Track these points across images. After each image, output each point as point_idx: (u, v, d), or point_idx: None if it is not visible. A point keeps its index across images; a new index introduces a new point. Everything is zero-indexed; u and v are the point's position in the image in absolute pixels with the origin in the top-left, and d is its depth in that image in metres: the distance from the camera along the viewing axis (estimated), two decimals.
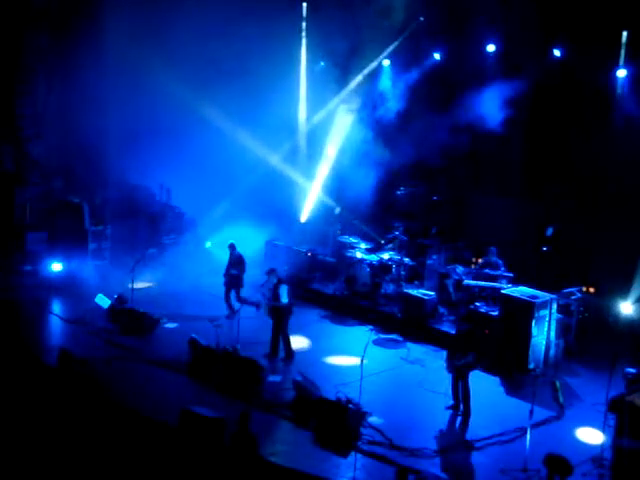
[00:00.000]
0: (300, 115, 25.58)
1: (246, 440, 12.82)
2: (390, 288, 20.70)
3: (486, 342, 17.16)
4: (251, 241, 23.47)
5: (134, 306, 19.15)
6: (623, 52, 19.52)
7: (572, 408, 15.98)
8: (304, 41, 25.00)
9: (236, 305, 19.77)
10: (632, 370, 15.37)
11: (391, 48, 23.52)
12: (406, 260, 20.96)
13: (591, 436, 14.64)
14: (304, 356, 17.94)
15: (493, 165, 22.46)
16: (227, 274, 20.05)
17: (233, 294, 20.05)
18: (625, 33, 19.40)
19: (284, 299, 17.69)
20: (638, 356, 16.40)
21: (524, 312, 17.32)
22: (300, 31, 24.93)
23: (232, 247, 20.27)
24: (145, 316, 18.95)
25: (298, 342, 18.40)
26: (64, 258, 21.77)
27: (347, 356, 17.62)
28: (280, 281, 17.86)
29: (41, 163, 24.53)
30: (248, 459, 12.75)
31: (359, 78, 24.00)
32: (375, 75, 24.12)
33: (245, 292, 19.84)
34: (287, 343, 17.86)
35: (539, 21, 19.85)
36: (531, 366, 17.24)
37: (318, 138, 24.98)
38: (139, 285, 19.94)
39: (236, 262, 20.04)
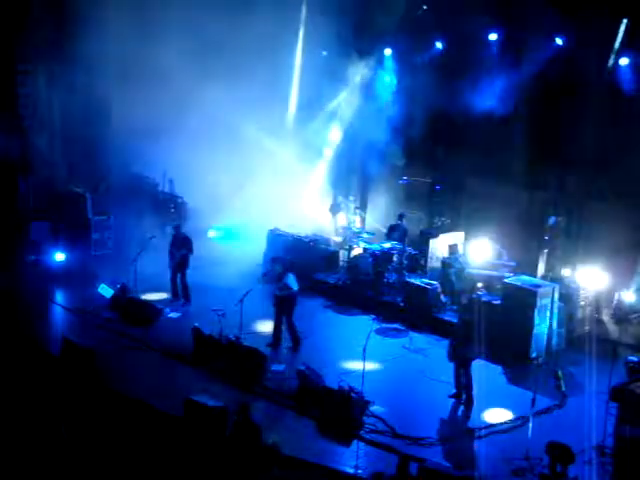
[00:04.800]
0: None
1: (249, 430, 12.87)
2: (392, 277, 20.72)
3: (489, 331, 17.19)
4: (253, 230, 23.55)
5: (137, 296, 19.20)
6: (624, 40, 19.48)
7: (574, 397, 16.00)
8: (302, 28, 24.90)
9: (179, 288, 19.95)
10: (634, 359, 15.39)
11: (395, 38, 23.48)
12: (408, 249, 20.98)
13: (593, 425, 14.63)
14: (307, 345, 17.97)
15: (495, 154, 22.44)
16: (173, 256, 19.94)
17: (179, 278, 20.03)
18: (625, 21, 19.37)
19: (294, 287, 17.67)
20: None
21: (526, 301, 17.34)
22: (299, 20, 24.86)
23: (177, 228, 20.23)
24: (148, 305, 19.01)
25: (300, 331, 18.41)
26: (67, 248, 21.82)
27: (350, 345, 17.63)
28: (285, 270, 17.84)
29: (44, 153, 24.54)
30: (251, 448, 12.80)
31: (361, 67, 23.97)
32: (377, 63, 24.08)
33: (244, 283, 19.76)
34: (293, 332, 17.86)
35: (541, 9, 19.83)
36: (533, 355, 17.27)
37: (322, 127, 24.96)
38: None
39: (182, 243, 19.94)
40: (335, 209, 24.38)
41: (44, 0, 23.84)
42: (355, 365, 15.91)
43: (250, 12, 22.16)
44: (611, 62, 19.74)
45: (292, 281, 17.62)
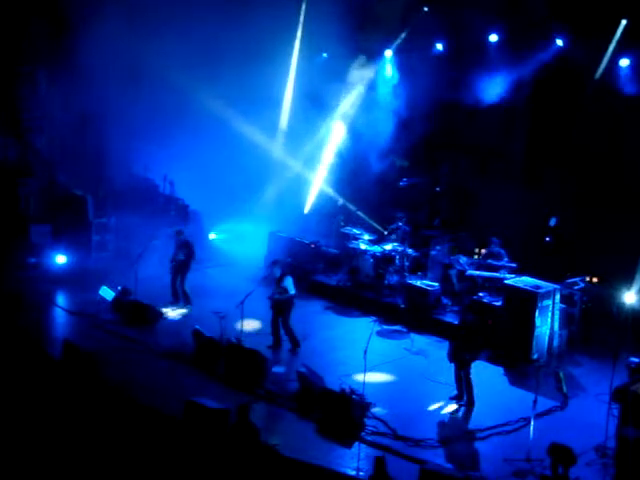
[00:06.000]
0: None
1: (247, 431, 12.86)
2: (393, 279, 20.68)
3: (490, 333, 17.18)
4: (254, 232, 23.53)
5: (138, 298, 19.19)
6: (623, 40, 19.46)
7: (576, 398, 16.01)
8: (300, 29, 24.83)
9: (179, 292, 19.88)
10: (635, 360, 15.37)
11: (396, 39, 23.46)
12: (409, 251, 20.96)
13: (595, 426, 14.61)
14: (308, 347, 17.96)
15: (496, 155, 22.43)
16: (173, 260, 19.88)
17: (179, 281, 19.95)
18: (624, 22, 19.36)
19: (291, 290, 17.68)
20: None
21: (527, 302, 17.32)
22: (297, 21, 24.79)
23: (179, 232, 20.14)
24: (149, 308, 19.00)
25: (301, 334, 18.37)
26: (68, 250, 21.82)
27: (351, 347, 17.60)
28: (284, 273, 17.84)
29: (44, 155, 24.54)
30: (249, 450, 12.79)
31: (361, 68, 23.92)
32: (378, 64, 24.05)
33: (245, 285, 19.71)
34: (291, 335, 17.87)
35: (541, 10, 19.84)
36: (534, 356, 17.25)
37: (323, 129, 24.91)
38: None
39: (182, 247, 19.88)
40: (336, 211, 24.31)
41: (44, 2, 23.85)
42: (356, 367, 15.85)
43: (249, 13, 22.16)
44: (608, 63, 19.70)
45: (290, 284, 17.62)
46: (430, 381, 16.56)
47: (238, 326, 17.12)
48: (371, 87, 24.06)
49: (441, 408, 15.48)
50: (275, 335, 17.86)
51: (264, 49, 22.68)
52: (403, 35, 23.27)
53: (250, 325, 18.01)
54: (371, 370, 15.65)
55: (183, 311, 19.68)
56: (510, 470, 13.45)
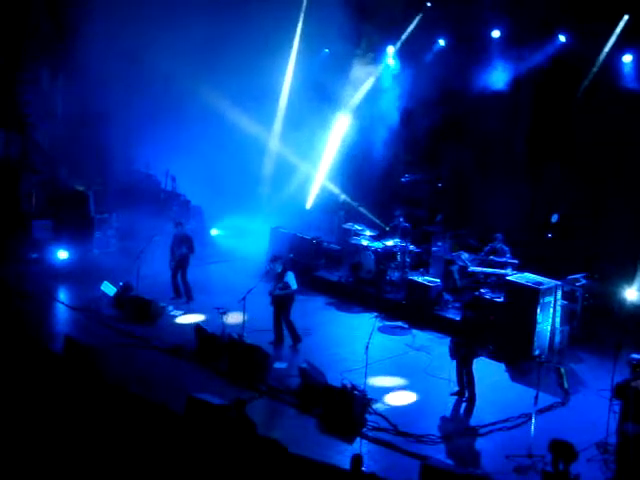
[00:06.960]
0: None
1: (244, 426, 12.87)
2: (395, 275, 20.70)
3: (491, 329, 17.18)
4: (256, 228, 23.54)
5: (140, 294, 19.20)
6: (626, 36, 19.43)
7: (577, 394, 16.02)
8: (300, 24, 24.78)
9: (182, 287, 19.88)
10: (637, 356, 15.33)
11: (399, 34, 23.43)
12: (411, 247, 20.96)
13: (596, 422, 14.59)
14: (309, 343, 17.97)
15: (498, 151, 22.40)
16: (173, 254, 19.84)
17: (179, 276, 19.96)
18: (626, 17, 19.33)
19: (294, 286, 17.68)
20: None
21: (529, 299, 17.31)
22: (298, 16, 24.75)
23: (178, 226, 20.00)
24: (151, 304, 19.00)
25: (303, 329, 18.38)
26: (70, 246, 21.84)
27: (352, 343, 17.61)
28: (285, 268, 17.84)
29: (46, 151, 24.55)
30: (246, 444, 12.79)
31: (364, 63, 23.91)
32: (381, 60, 24.03)
33: (247, 281, 19.71)
34: (292, 329, 17.88)
35: (543, 6, 19.81)
36: (536, 352, 17.21)
37: (324, 125, 24.90)
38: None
39: (182, 241, 19.83)
40: (338, 207, 24.32)
41: (46, 2, 23.87)
42: (357, 363, 15.85)
43: (250, 8, 22.14)
44: (611, 58, 19.67)
45: (292, 280, 17.62)
46: (431, 377, 16.56)
47: (240, 322, 17.12)
48: (374, 82, 24.03)
49: (442, 404, 15.45)
50: (277, 331, 17.87)
51: (266, 44, 22.66)
52: (406, 30, 23.24)
53: (251, 321, 17.99)
54: (372, 366, 15.60)
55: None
56: (511, 466, 13.44)
